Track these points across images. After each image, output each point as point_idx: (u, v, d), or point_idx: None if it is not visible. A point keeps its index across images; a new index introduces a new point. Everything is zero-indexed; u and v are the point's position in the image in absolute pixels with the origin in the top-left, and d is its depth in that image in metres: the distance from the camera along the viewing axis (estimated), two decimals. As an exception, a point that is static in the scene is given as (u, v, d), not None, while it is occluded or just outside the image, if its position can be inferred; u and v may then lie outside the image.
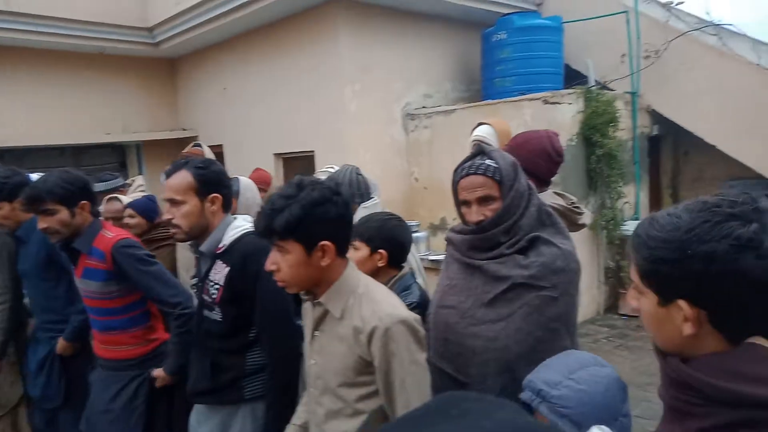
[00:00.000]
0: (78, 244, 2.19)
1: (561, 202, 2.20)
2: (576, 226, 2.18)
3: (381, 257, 1.78)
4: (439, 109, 5.34)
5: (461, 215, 1.61)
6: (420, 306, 1.74)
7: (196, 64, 6.61)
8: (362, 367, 1.36)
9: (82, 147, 6.36)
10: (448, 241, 1.70)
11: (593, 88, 4.98)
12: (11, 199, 2.49)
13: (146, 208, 3.05)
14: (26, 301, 2.78)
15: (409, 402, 1.33)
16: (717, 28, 5.07)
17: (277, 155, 5.85)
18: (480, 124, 2.51)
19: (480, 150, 1.59)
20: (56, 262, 2.51)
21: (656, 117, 5.65)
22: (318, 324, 1.44)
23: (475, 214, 1.54)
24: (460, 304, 1.56)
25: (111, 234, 2.25)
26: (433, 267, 4.00)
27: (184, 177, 1.83)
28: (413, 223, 4.73)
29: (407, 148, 5.53)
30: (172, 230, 1.91)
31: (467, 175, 1.55)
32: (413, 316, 1.40)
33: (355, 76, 5.06)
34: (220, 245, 1.86)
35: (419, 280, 2.06)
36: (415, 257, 2.26)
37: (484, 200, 1.53)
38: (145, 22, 6.03)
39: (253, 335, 1.82)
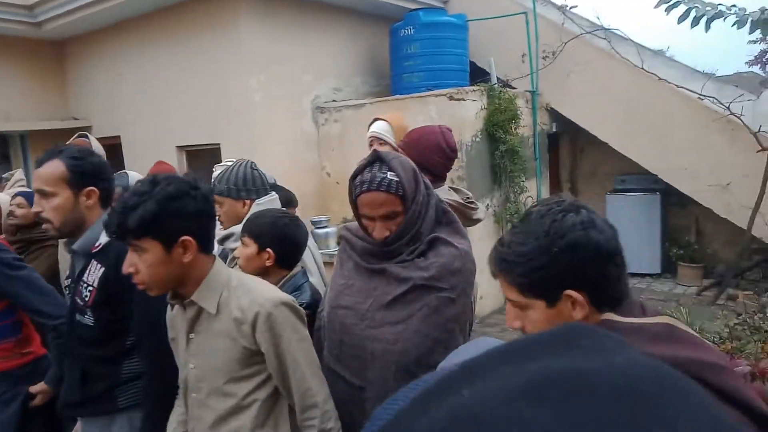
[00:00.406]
0: None
1: (456, 197, 2.23)
2: (471, 221, 2.22)
3: (269, 256, 1.72)
4: (349, 103, 5.30)
5: (363, 227, 1.55)
6: (310, 307, 1.70)
7: (87, 47, 6.11)
8: (248, 358, 1.36)
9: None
10: (345, 239, 1.66)
11: (496, 85, 5.16)
12: None
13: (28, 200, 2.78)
14: None
15: (305, 377, 1.37)
16: (607, 33, 5.42)
17: (180, 148, 5.56)
18: (376, 119, 2.51)
19: (377, 157, 1.51)
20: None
21: (555, 115, 5.96)
22: (192, 325, 1.40)
23: (379, 231, 1.49)
24: (358, 305, 1.53)
25: None
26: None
27: (56, 167, 1.69)
28: (323, 217, 4.69)
29: (318, 141, 5.46)
30: (43, 225, 1.75)
31: (368, 191, 1.46)
32: (290, 298, 1.44)
33: (260, 67, 4.90)
34: (96, 244, 1.71)
35: (313, 279, 2.02)
36: (313, 254, 2.22)
37: (388, 217, 1.48)
38: (25, -1, 5.50)
39: (131, 342, 1.70)
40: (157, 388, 1.61)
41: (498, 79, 5.48)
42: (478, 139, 4.94)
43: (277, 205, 2.14)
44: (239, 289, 1.37)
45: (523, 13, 5.43)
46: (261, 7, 4.88)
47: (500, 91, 5.05)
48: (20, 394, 2.08)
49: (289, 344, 1.35)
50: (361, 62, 5.91)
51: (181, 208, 1.29)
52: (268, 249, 1.72)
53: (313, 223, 4.41)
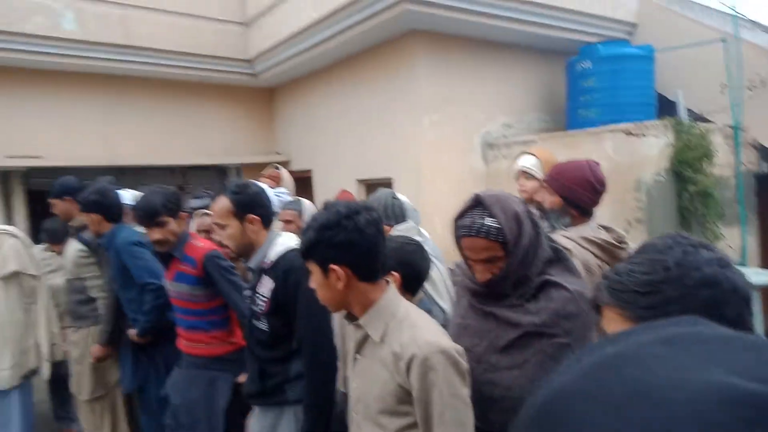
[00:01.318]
0: (174, 251, 2.45)
1: (604, 236, 2.09)
2: (617, 261, 2.07)
3: (395, 279, 1.81)
4: (519, 139, 5.25)
5: (468, 265, 1.56)
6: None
7: (290, 93, 7.07)
8: (402, 396, 1.32)
9: (189, 167, 6.99)
10: (456, 276, 1.68)
11: (686, 120, 4.65)
12: (92, 212, 2.86)
13: None
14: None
15: None
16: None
17: (360, 181, 6.04)
18: (523, 153, 2.48)
19: (477, 201, 1.48)
20: (127, 270, 2.81)
21: (765, 153, 5.13)
22: (359, 347, 1.44)
23: (481, 273, 1.49)
24: (475, 347, 1.52)
25: (201, 244, 2.51)
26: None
27: (223, 202, 2.01)
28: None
29: (486, 177, 5.48)
30: (224, 250, 2.11)
31: (466, 236, 1.45)
32: (455, 347, 1.35)
33: (433, 106, 5.14)
34: (266, 261, 2.00)
35: (444, 305, 2.07)
36: (446, 284, 2.27)
37: (489, 260, 1.47)
38: (246, 54, 6.57)
39: (296, 345, 1.97)
40: (313, 386, 1.81)
41: (690, 112, 4.93)
42: (661, 179, 4.49)
43: (414, 232, 2.26)
44: (404, 323, 1.36)
45: (722, 40, 4.85)
46: (437, 50, 5.14)
47: (690, 126, 4.54)
48: (230, 380, 2.45)
49: (439, 397, 1.27)
50: (534, 98, 5.82)
51: (330, 238, 1.33)
52: (393, 272, 1.81)
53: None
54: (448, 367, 1.28)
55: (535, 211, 1.82)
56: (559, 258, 1.52)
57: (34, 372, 3.60)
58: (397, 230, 2.28)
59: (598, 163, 2.09)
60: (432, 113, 5.15)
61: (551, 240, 1.55)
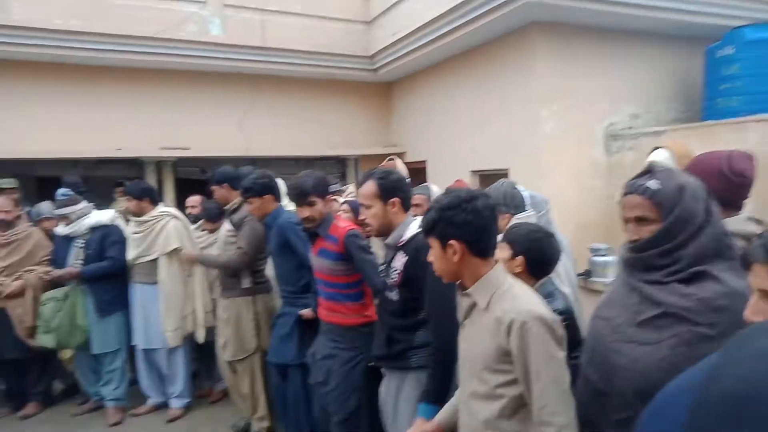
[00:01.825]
0: (319, 230, 2.77)
1: (752, 228, 2.00)
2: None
3: (519, 264, 1.91)
4: (647, 130, 5.00)
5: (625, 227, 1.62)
6: (563, 312, 1.82)
7: (407, 87, 7.27)
8: (502, 356, 1.51)
9: (312, 159, 7.46)
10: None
11: None
12: (260, 194, 3.19)
13: (356, 207, 3.61)
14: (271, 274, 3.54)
15: (546, 394, 1.45)
16: None
17: (474, 172, 6.10)
18: (656, 148, 2.42)
19: (649, 168, 1.56)
20: (290, 245, 3.13)
21: None
22: (467, 314, 1.65)
23: (630, 233, 1.55)
24: (613, 318, 1.57)
25: (343, 224, 2.79)
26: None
27: (370, 186, 2.29)
28: (603, 245, 4.54)
29: (608, 170, 5.30)
30: (366, 228, 2.37)
31: (627, 193, 1.54)
32: (552, 316, 1.51)
33: (552, 97, 5.06)
34: (402, 239, 2.25)
35: (565, 290, 2.12)
36: (568, 274, 2.31)
37: (639, 220, 1.51)
38: (368, 51, 6.87)
39: (423, 316, 2.17)
40: (439, 355, 1.98)
41: None
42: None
43: (533, 220, 2.35)
44: (508, 294, 1.55)
45: None
46: (558, 41, 5.05)
47: None
48: (362, 354, 2.66)
49: (536, 358, 1.44)
50: (665, 87, 5.50)
51: (451, 217, 1.55)
52: (520, 256, 1.91)
53: (593, 250, 4.32)
54: (544, 332, 1.45)
55: None
56: (729, 256, 1.47)
57: (191, 335, 4.14)
58: (517, 218, 2.36)
59: (747, 154, 1.98)
60: (551, 104, 5.07)
61: (727, 236, 1.49)
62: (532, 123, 5.15)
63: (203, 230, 4.34)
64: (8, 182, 5.14)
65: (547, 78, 5.06)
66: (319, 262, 2.78)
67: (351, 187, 4.81)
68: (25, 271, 4.17)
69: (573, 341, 1.76)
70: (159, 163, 6.56)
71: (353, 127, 7.54)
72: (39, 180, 6.53)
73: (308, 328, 3.12)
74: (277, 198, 3.29)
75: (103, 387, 4.22)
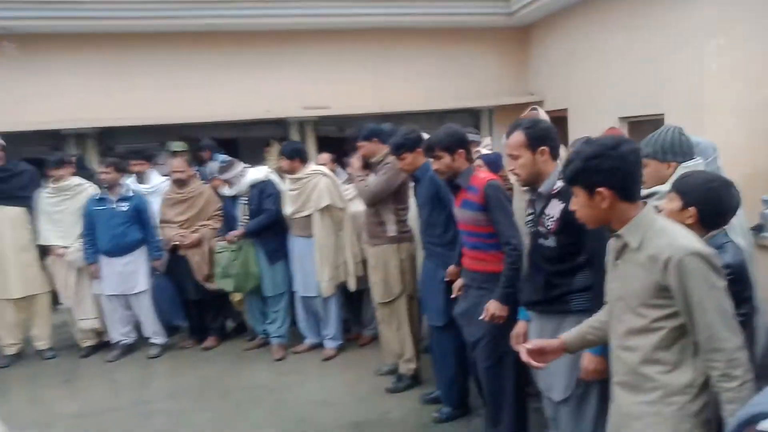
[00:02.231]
0: (459, 181, 2.86)
1: None
2: None
3: (691, 215, 1.82)
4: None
5: None
6: (730, 266, 1.73)
7: (546, 30, 6.87)
8: (658, 291, 1.53)
9: (444, 112, 7.43)
10: None
11: None
12: (412, 149, 3.31)
13: (492, 161, 3.58)
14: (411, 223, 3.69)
15: (712, 324, 1.46)
16: None
17: (623, 119, 5.69)
18: None
19: None
20: (440, 197, 3.24)
21: None
22: (618, 254, 1.66)
23: None
24: None
25: (483, 175, 2.86)
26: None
27: (518, 136, 2.30)
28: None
29: (786, 110, 4.65)
30: (513, 178, 2.37)
31: None
32: (708, 250, 1.52)
33: (719, 29, 4.50)
34: (555, 187, 2.26)
35: (740, 242, 1.97)
36: (742, 226, 2.14)
37: None
38: (503, -6, 6.58)
39: (582, 260, 2.20)
40: (602, 297, 1.98)
41: None
42: None
43: (701, 168, 2.18)
44: (661, 232, 1.55)
45: None
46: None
47: None
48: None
49: (696, 291, 1.46)
50: None
51: (597, 165, 1.56)
52: (692, 207, 1.80)
53: (765, 202, 3.89)
54: (701, 265, 1.46)
55: None
56: None
57: (343, 284, 4.48)
58: (685, 167, 2.21)
59: None
60: (718, 37, 4.52)
61: None
62: (693, 60, 4.65)
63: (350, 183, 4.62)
64: (179, 145, 5.80)
65: (712, 6, 4.50)
66: (462, 213, 2.87)
67: (487, 140, 4.75)
68: (201, 225, 4.76)
69: (740, 297, 1.69)
70: (302, 123, 6.96)
71: (487, 77, 7.34)
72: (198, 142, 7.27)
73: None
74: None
75: (268, 325, 4.75)
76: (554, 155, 2.30)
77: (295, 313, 4.75)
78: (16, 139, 5.40)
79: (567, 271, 2.25)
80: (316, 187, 4.35)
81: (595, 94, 5.99)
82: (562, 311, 2.27)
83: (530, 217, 2.43)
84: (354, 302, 4.84)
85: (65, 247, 4.70)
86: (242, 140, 7.50)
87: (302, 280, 4.52)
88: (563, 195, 2.18)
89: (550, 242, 2.26)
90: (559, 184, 2.22)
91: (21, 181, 4.73)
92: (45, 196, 4.73)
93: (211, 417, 3.75)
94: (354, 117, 6.52)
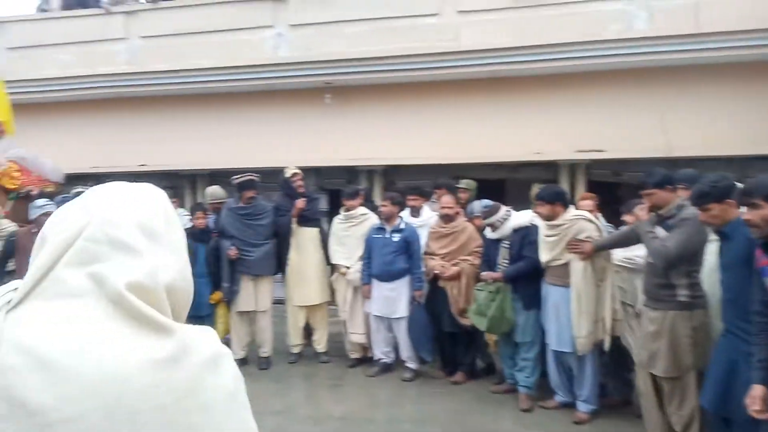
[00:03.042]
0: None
1: None
2: None
3: None
4: None
5: None
6: None
7: None
8: None
9: (747, 158, 6.26)
10: None
11: None
12: (721, 200, 2.81)
13: None
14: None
15: None
16: None
17: None
18: None
19: None
20: (752, 260, 2.61)
21: None
22: None
23: None
24: None
25: None
26: None
27: None
28: None
29: None
30: None
31: None
32: None
33: None
34: None
35: None
36: None
37: None
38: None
39: None
40: None
41: None
42: None
43: None
44: None
45: None
46: None
47: None
48: None
49: None
50: None
51: None
52: None
53: None
54: None
55: None
56: None
57: (600, 343, 4.09)
58: None
59: None
60: None
61: None
62: None
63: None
64: (467, 183, 5.88)
65: None
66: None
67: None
68: (461, 260, 4.93)
69: None
70: (573, 166, 6.70)
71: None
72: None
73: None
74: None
75: (517, 372, 4.60)
76: None
77: (547, 365, 4.50)
78: (318, 172, 6.50)
79: None
80: (580, 234, 4.09)
81: None
82: None
83: None
84: (612, 362, 4.36)
85: (348, 267, 5.39)
86: (509, 181, 7.59)
87: (556, 333, 4.26)
88: None
89: None
90: None
91: (315, 206, 5.63)
92: (337, 222, 5.53)
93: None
94: (634, 161, 6.00)
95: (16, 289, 0.70)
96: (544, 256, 4.30)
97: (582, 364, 4.20)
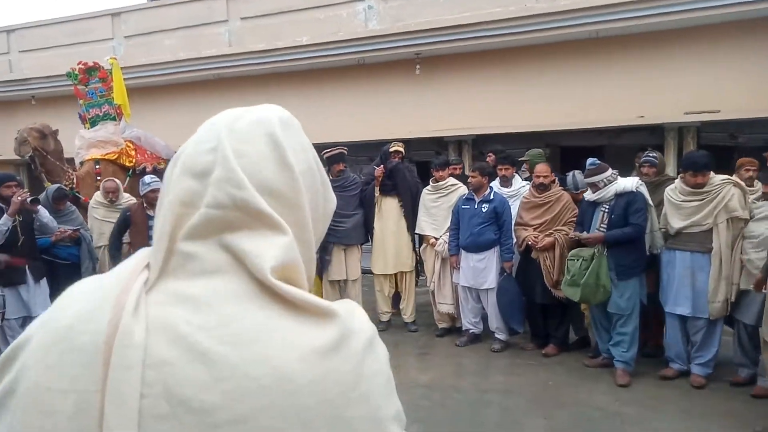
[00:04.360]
0: None
1: None
2: None
3: None
4: None
5: None
6: None
7: None
8: None
9: None
10: None
11: None
12: None
13: None
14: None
15: None
16: None
17: None
18: None
19: None
20: None
21: None
22: None
23: None
24: None
25: None
26: None
27: None
28: None
29: None
30: None
31: None
32: None
33: None
34: None
35: None
36: None
37: None
38: None
39: None
40: None
41: None
42: None
43: None
44: None
45: None
46: None
47: None
48: None
49: None
50: None
51: None
52: None
53: None
54: None
55: None
56: None
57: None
58: None
59: None
60: None
61: None
62: None
63: (759, 199, 4.07)
64: (535, 153, 5.73)
65: None
66: None
67: None
68: (556, 230, 4.75)
69: None
70: (681, 129, 6.17)
71: None
72: (563, 150, 7.26)
73: None
74: None
75: (612, 347, 4.39)
76: None
77: (665, 336, 4.40)
78: (407, 143, 6.48)
79: None
80: (727, 197, 3.99)
81: None
82: None
83: None
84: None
85: (436, 238, 5.38)
86: (609, 148, 7.15)
87: (691, 299, 4.14)
88: None
89: None
90: None
91: (399, 176, 5.63)
92: (426, 192, 5.52)
93: (544, 425, 3.70)
94: (752, 122, 5.42)
95: (147, 266, 0.62)
96: (677, 222, 4.17)
97: (712, 329, 4.15)
